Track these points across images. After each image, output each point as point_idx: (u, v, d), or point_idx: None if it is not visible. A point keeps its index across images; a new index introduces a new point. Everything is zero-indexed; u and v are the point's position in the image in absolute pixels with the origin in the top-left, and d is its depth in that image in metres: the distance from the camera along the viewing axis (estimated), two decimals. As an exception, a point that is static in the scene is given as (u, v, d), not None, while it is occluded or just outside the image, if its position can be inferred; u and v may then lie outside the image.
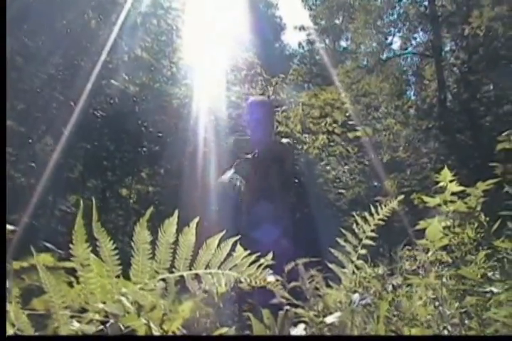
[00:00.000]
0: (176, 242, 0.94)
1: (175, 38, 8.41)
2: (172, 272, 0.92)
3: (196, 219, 0.96)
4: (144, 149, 8.19)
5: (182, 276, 0.94)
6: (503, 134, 3.60)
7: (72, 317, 0.88)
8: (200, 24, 9.15)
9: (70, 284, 0.96)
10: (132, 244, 0.91)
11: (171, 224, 0.92)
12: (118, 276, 0.91)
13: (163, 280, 0.91)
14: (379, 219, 1.83)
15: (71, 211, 7.20)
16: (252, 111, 3.38)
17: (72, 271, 1.00)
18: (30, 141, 6.86)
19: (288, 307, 1.25)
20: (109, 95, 7.62)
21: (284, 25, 23.33)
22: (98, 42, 7.02)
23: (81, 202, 0.89)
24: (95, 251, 0.94)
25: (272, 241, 2.81)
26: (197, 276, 0.97)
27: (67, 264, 1.00)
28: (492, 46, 12.74)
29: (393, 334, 1.47)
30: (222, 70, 9.25)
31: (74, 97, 6.70)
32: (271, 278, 1.49)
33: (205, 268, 0.93)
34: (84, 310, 0.92)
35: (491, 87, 13.70)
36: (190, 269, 0.93)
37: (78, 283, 0.96)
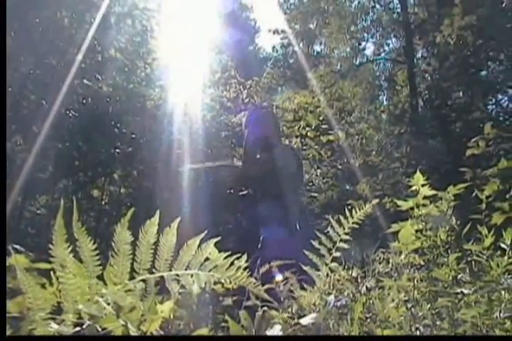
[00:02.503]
0: (155, 243, 0.94)
1: (149, 38, 8.36)
2: (152, 273, 0.92)
3: (177, 220, 0.96)
4: (117, 150, 8.10)
5: (161, 277, 0.94)
6: (472, 140, 3.68)
7: (48, 318, 0.87)
8: (174, 26, 9.11)
9: (43, 286, 0.95)
10: (112, 244, 0.90)
11: (153, 224, 0.92)
12: (98, 277, 0.90)
13: (143, 280, 0.91)
14: (353, 223, 1.85)
15: (41, 212, 7.07)
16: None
17: (44, 273, 0.99)
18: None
19: (265, 308, 1.26)
20: (82, 95, 7.53)
21: (259, 28, 23.36)
22: (71, 41, 6.94)
23: (61, 201, 0.88)
24: (72, 252, 0.93)
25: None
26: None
27: (43, 266, 0.99)
28: (462, 54, 13.00)
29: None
30: (196, 72, 9.23)
31: (46, 96, 6.60)
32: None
33: (185, 269, 0.94)
34: (60, 312, 0.91)
35: (461, 94, 13.99)
36: (170, 270, 0.93)
37: (51, 284, 0.95)
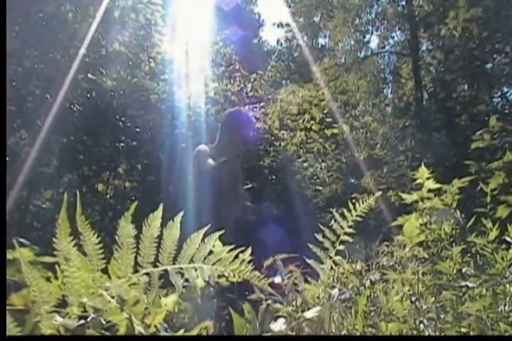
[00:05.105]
0: (159, 236, 0.94)
1: (153, 32, 8.34)
2: (156, 266, 0.92)
3: (181, 213, 0.96)
4: (122, 144, 8.11)
5: (165, 271, 0.94)
6: (477, 133, 3.67)
7: (53, 311, 0.88)
8: (179, 19, 9.09)
9: (48, 279, 0.95)
10: (116, 238, 0.91)
11: (156, 218, 0.92)
12: (102, 270, 0.91)
13: (147, 274, 0.91)
14: (357, 216, 1.85)
15: (46, 206, 7.09)
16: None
17: (50, 267, 0.99)
18: (4, 134, 6.72)
19: (269, 302, 1.26)
20: (86, 89, 7.53)
21: (263, 21, 23.26)
22: (75, 35, 6.93)
23: (65, 194, 0.88)
24: (76, 246, 0.93)
25: None
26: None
27: (48, 259, 0.99)
28: (467, 47, 12.92)
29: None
30: (200, 66, 9.22)
31: (50, 91, 6.60)
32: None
33: (189, 263, 0.94)
34: (65, 305, 0.91)
35: (466, 87, 13.91)
36: (174, 263, 0.93)
37: (56, 278, 0.95)
